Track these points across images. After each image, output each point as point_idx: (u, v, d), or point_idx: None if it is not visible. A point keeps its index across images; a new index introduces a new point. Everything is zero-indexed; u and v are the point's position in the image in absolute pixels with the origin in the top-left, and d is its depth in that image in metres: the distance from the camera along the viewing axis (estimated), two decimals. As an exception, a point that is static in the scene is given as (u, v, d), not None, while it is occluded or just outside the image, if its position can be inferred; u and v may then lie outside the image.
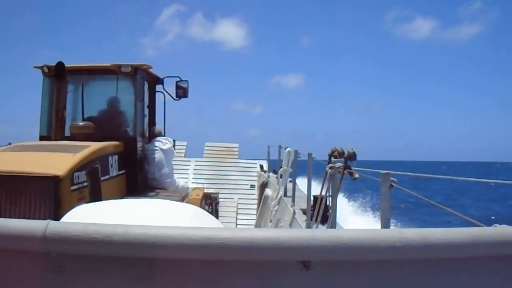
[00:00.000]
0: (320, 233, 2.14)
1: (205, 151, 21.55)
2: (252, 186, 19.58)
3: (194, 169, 19.99)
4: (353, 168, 6.73)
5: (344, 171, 6.77)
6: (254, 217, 18.13)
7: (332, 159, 7.27)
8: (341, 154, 6.97)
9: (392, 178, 5.09)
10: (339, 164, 7.00)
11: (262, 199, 17.57)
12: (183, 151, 20.59)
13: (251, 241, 2.05)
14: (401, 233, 2.12)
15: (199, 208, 4.75)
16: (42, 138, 10.26)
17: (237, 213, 18.36)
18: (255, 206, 18.63)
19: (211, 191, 16.04)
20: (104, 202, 5.07)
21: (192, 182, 17.47)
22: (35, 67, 10.64)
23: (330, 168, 7.26)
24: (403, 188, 5.18)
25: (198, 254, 2.09)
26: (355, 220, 28.63)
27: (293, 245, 2.05)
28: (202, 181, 18.87)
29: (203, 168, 20.16)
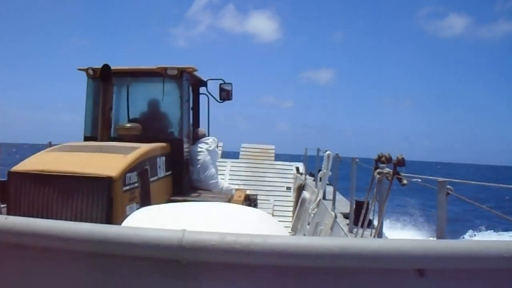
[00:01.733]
0: (437, 243, 2.26)
1: (241, 152, 21.63)
2: (288, 188, 19.54)
3: (230, 170, 20.03)
4: (402, 173, 6.73)
5: (393, 177, 6.78)
6: (290, 219, 18.09)
7: (379, 164, 7.28)
8: (389, 159, 6.98)
9: (448, 186, 5.10)
10: (387, 170, 7.01)
11: (299, 201, 17.52)
12: (220, 151, 20.64)
13: (381, 251, 2.15)
14: (508, 244, 2.23)
15: (264, 212, 4.82)
16: (86, 138, 10.47)
17: (273, 215, 18.32)
18: (291, 209, 18.59)
19: (249, 192, 16.05)
20: (166, 205, 5.13)
21: (229, 183, 17.53)
22: (79, 69, 10.83)
23: (379, 173, 7.26)
24: (461, 196, 5.19)
25: (332, 263, 2.17)
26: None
27: (412, 253, 2.16)
28: (238, 182, 18.87)
29: (239, 169, 20.19)
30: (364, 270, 2.24)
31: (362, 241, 2.20)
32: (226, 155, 21.89)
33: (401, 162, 6.71)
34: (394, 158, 6.87)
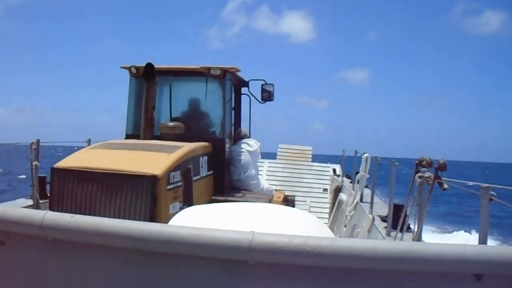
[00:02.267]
0: (494, 248, 2.31)
1: (278, 153, 21.61)
2: (325, 190, 19.51)
3: (267, 170, 20.05)
4: (443, 178, 6.74)
5: (435, 181, 6.78)
6: (326, 221, 18.06)
7: (420, 168, 7.29)
8: (430, 163, 6.99)
9: (492, 192, 5.12)
10: (428, 174, 7.02)
11: (335, 203, 17.50)
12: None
13: (441, 255, 2.24)
14: None
15: (308, 213, 4.89)
16: (128, 136, 10.61)
17: None
18: (327, 210, 18.56)
19: (286, 193, 16.07)
20: (213, 205, 5.21)
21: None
22: (122, 67, 10.96)
23: (419, 177, 7.27)
24: (505, 202, 5.19)
25: (396, 266, 2.27)
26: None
27: (471, 258, 2.23)
28: (276, 182, 18.87)
29: (277, 170, 20.20)
30: (423, 273, 2.31)
31: (423, 245, 2.27)
32: (262, 155, 21.90)
33: (442, 167, 6.70)
34: (435, 162, 6.88)
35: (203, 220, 4.13)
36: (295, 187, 19.11)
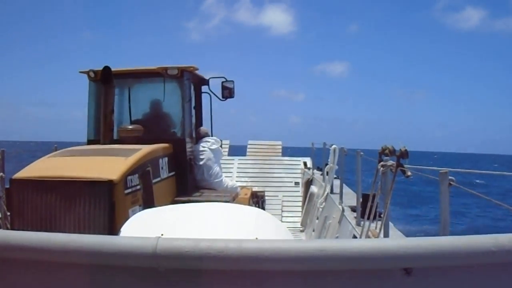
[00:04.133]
0: (422, 241, 2.24)
1: (248, 150, 21.56)
2: (297, 184, 19.51)
3: (238, 168, 20.00)
4: (406, 166, 6.68)
5: (397, 169, 6.72)
6: (300, 214, 18.09)
7: (383, 156, 7.23)
8: (392, 152, 6.92)
9: (450, 177, 5.05)
10: (391, 162, 6.95)
11: (307, 196, 17.50)
12: (227, 149, 20.60)
13: (360, 251, 2.13)
14: (495, 238, 2.22)
15: (260, 210, 4.78)
16: (90, 142, 10.43)
17: (282, 211, 18.34)
18: (300, 204, 18.57)
19: (256, 189, 16.01)
20: (165, 207, 5.09)
21: (236, 181, 17.50)
22: (81, 72, 10.80)
23: (382, 166, 7.21)
24: (463, 187, 5.13)
25: (311, 266, 2.14)
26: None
27: (398, 253, 2.15)
28: (246, 179, 18.86)
29: (247, 167, 20.16)
30: (342, 271, 2.21)
31: (339, 242, 2.16)
32: (237, 149, 21.87)
33: (404, 154, 6.64)
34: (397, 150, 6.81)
35: (151, 224, 4.00)
36: (266, 183, 19.09)
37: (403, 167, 6.64)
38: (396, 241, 2.21)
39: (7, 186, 10.02)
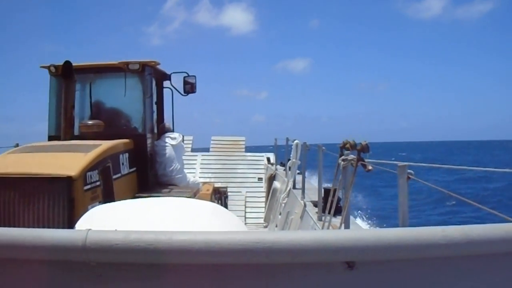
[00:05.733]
0: (365, 234, 2.20)
1: (211, 145, 21.55)
2: (260, 179, 19.58)
3: (201, 164, 19.99)
4: (366, 160, 6.70)
5: (358, 163, 6.74)
6: (263, 210, 18.14)
7: (344, 151, 7.25)
8: (353, 146, 6.93)
9: (409, 170, 5.07)
10: (352, 156, 6.97)
11: (270, 192, 17.53)
12: (190, 145, 20.56)
13: (297, 244, 2.07)
14: (443, 231, 2.17)
15: (216, 205, 4.76)
16: (51, 138, 10.28)
17: (245, 207, 18.37)
18: (264, 199, 18.61)
19: (219, 185, 16.00)
20: (119, 202, 5.06)
21: (200, 177, 17.47)
22: (41, 67, 10.64)
23: (343, 160, 7.23)
24: (421, 180, 5.15)
25: (245, 259, 2.09)
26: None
27: (339, 246, 2.08)
28: (210, 175, 18.87)
29: (210, 163, 20.16)
30: (284, 265, 2.16)
31: (275, 235, 2.12)
32: (200, 150, 21.81)
33: (365, 148, 6.66)
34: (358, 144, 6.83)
35: (106, 219, 3.97)
36: (229, 178, 19.13)
37: (364, 161, 6.66)
38: (337, 233, 2.18)
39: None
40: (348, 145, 7.05)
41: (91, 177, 7.58)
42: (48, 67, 10.49)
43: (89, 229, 2.12)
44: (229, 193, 16.73)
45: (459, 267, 2.26)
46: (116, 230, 2.14)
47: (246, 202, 18.57)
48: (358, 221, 22.70)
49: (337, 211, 8.12)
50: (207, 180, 16.51)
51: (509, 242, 2.19)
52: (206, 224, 3.71)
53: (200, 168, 19.66)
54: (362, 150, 6.67)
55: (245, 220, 18.02)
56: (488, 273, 2.28)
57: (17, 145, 10.18)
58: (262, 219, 17.56)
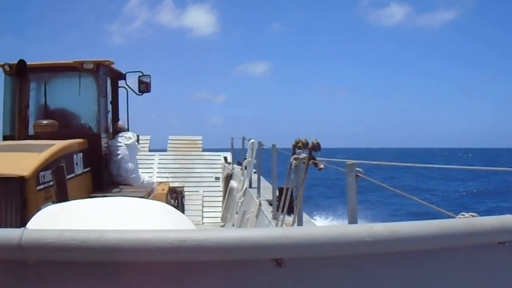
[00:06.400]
0: (292, 231, 2.22)
1: (169, 145, 21.51)
2: (217, 179, 19.61)
3: (158, 163, 19.95)
4: (318, 158, 6.77)
5: (309, 161, 6.81)
6: (220, 209, 18.18)
7: (297, 150, 7.31)
8: (305, 145, 7.00)
9: (358, 169, 5.14)
10: (303, 155, 7.04)
11: (227, 191, 17.58)
12: (147, 145, 20.52)
13: (225, 242, 2.10)
14: (371, 228, 2.18)
15: (166, 205, 4.80)
16: (5, 138, 10.22)
17: (203, 206, 18.41)
18: (221, 199, 18.65)
19: (176, 185, 16.01)
20: (71, 202, 5.06)
21: (157, 177, 17.46)
22: None
23: (295, 159, 7.30)
24: (369, 178, 5.23)
25: (174, 257, 2.12)
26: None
27: (266, 243, 2.11)
28: (167, 175, 18.86)
29: (168, 162, 20.14)
30: (212, 262, 2.21)
31: (204, 233, 2.14)
32: (158, 151, 21.77)
33: (316, 147, 6.73)
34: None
35: (57, 219, 3.98)
36: (187, 178, 19.13)
37: (315, 159, 6.73)
38: (264, 231, 2.21)
39: None
40: (300, 144, 7.13)
41: (44, 177, 7.55)
42: (3, 66, 10.41)
43: (25, 228, 2.14)
44: (186, 193, 16.77)
45: (387, 263, 2.28)
46: (51, 229, 2.17)
47: (203, 201, 18.62)
48: (318, 220, 22.87)
49: (291, 210, 8.20)
50: (165, 179, 16.51)
51: (437, 239, 2.23)
52: (155, 224, 3.75)
53: (158, 168, 19.63)
54: (314, 148, 6.75)
55: (202, 220, 18.07)
56: (416, 269, 2.32)
57: None
58: (219, 219, 17.61)
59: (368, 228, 2.18)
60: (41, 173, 7.49)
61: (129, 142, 11.18)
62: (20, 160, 7.57)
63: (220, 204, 18.50)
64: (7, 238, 2.11)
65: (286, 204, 7.94)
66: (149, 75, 11.80)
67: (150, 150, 20.87)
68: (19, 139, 9.17)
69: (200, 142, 21.74)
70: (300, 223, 7.55)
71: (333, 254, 2.21)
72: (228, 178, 18.18)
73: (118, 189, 10.51)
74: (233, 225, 14.65)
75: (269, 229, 2.33)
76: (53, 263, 2.17)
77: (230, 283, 2.24)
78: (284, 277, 2.23)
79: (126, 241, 2.08)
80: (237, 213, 14.51)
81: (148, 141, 20.84)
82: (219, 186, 19.32)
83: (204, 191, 19.02)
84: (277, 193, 9.98)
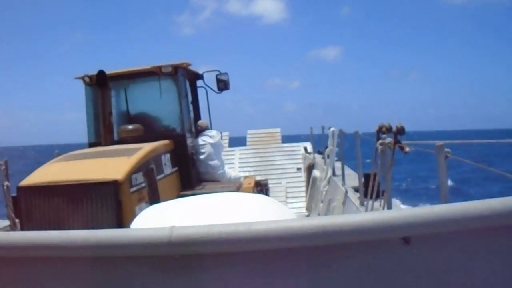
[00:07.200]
0: (420, 210, 2.35)
1: (248, 140, 21.60)
2: (299, 169, 19.59)
3: (239, 158, 20.07)
4: (403, 142, 6.75)
5: (395, 145, 6.79)
6: (304, 199, 18.17)
7: (381, 135, 7.30)
8: (389, 129, 6.98)
9: (446, 149, 5.13)
10: (389, 140, 7.03)
11: (310, 181, 17.56)
12: (227, 141, 20.67)
13: (361, 224, 2.26)
14: (488, 203, 2.31)
15: (267, 197, 4.89)
16: (91, 145, 10.54)
17: (286, 197, 18.43)
18: (304, 189, 18.63)
19: (259, 178, 16.10)
20: (172, 201, 5.19)
21: (239, 171, 17.58)
22: (76, 78, 10.91)
23: (381, 144, 7.29)
24: (460, 158, 5.22)
25: (317, 241, 2.27)
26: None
27: (397, 223, 2.27)
28: (249, 169, 18.96)
29: (248, 156, 20.25)
30: (351, 244, 2.33)
31: (341, 218, 2.28)
32: (235, 141, 21.91)
33: (400, 131, 6.71)
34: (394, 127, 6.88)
35: (163, 217, 4.13)
36: (268, 171, 19.20)
37: (401, 143, 6.71)
38: (393, 212, 2.33)
39: (13, 195, 10.22)
40: (384, 129, 7.12)
41: (136, 180, 7.79)
42: (82, 78, 10.75)
43: (173, 226, 2.29)
44: (269, 185, 16.83)
45: (504, 236, 2.39)
46: (198, 225, 2.32)
47: (286, 192, 18.62)
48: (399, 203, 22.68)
49: (378, 195, 8.20)
50: (247, 174, 16.63)
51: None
52: (259, 216, 3.84)
53: (239, 163, 19.76)
54: (398, 132, 6.74)
55: None
56: None
57: (57, 154, 10.41)
58: (304, 209, 17.63)
59: (486, 204, 2.31)
60: (133, 176, 7.72)
61: (213, 140, 11.36)
62: (112, 165, 7.82)
63: (303, 194, 18.48)
64: (158, 237, 2.26)
65: (375, 190, 7.95)
66: (226, 73, 11.95)
67: (229, 145, 21.00)
68: (105, 145, 9.46)
69: (279, 134, 21.75)
70: (390, 207, 7.54)
71: (454, 229, 2.34)
72: (310, 168, 18.13)
73: (207, 186, 10.71)
74: (318, 214, 14.63)
75: (398, 210, 2.46)
76: (199, 256, 2.31)
77: (364, 263, 2.39)
78: (411, 254, 2.37)
79: (273, 231, 2.22)
80: (322, 202, 14.50)
81: (227, 137, 21.00)
82: (301, 177, 19.30)
83: (287, 182, 19.05)
84: (363, 179, 9.96)
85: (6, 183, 10.26)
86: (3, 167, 10.79)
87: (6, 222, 9.46)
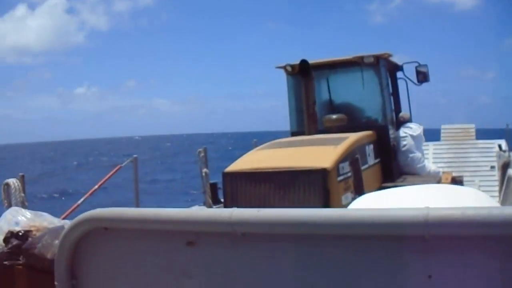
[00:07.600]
0: None
1: (442, 135, 21.15)
2: (492, 167, 18.96)
3: (433, 153, 19.71)
4: None
5: None
6: (497, 199, 17.59)
7: None
8: None
9: None
10: None
11: (505, 180, 16.97)
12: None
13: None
14: None
15: (477, 190, 4.83)
16: (293, 133, 10.84)
17: None
18: (497, 188, 18.01)
19: (454, 174, 15.77)
20: (385, 191, 5.24)
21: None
22: (277, 67, 11.19)
23: None
24: None
25: None
26: None
27: None
28: (442, 164, 18.57)
29: (442, 152, 19.82)
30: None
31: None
32: (427, 133, 21.58)
33: None
34: None
35: (379, 205, 4.19)
36: (461, 167, 18.68)
37: None
38: None
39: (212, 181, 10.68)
40: None
41: (343, 169, 7.89)
42: (284, 67, 11.04)
43: (428, 207, 2.35)
44: (464, 183, 16.46)
45: None
46: (451, 207, 2.36)
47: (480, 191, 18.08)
48: None
49: None
50: (440, 169, 16.34)
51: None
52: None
53: (433, 158, 19.41)
54: None
55: None
56: None
57: (255, 143, 10.74)
58: None
59: None
60: (341, 165, 7.82)
61: (414, 133, 11.31)
62: (320, 153, 7.98)
63: (497, 194, 17.86)
64: (415, 216, 2.33)
65: None
66: (426, 65, 11.70)
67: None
68: (309, 134, 9.66)
69: (473, 130, 21.09)
70: None
71: None
72: (505, 166, 17.51)
73: (408, 179, 10.68)
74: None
75: None
76: (445, 237, 2.36)
77: None
78: None
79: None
80: (517, 203, 13.97)
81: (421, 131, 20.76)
82: (494, 175, 18.67)
83: (480, 181, 18.49)
84: None
85: (204, 169, 10.77)
86: (202, 154, 11.32)
87: (204, 208, 9.90)
